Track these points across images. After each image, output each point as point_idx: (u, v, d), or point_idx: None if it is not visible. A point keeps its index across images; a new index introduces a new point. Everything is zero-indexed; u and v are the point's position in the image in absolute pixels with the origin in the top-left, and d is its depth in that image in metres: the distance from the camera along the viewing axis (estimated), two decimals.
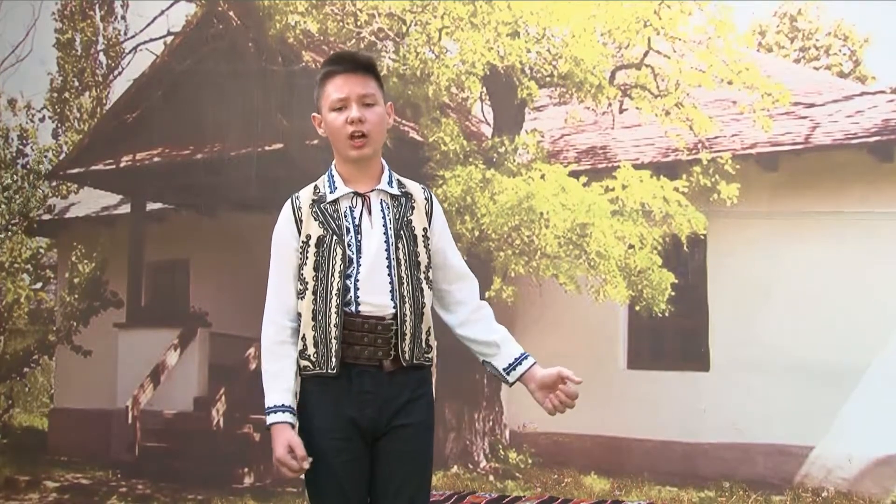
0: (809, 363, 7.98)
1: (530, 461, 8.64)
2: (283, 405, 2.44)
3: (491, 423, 8.80)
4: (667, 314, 7.98)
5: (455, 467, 8.53)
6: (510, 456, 8.68)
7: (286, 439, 2.41)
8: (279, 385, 2.46)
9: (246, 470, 8.75)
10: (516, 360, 2.55)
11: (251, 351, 9.27)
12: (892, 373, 7.84)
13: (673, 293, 7.94)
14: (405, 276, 2.45)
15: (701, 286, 8.79)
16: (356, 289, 2.43)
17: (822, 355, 7.95)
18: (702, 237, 8.30)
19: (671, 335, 9.13)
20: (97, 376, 10.36)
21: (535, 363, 2.55)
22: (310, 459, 2.41)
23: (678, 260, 8.56)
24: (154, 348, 9.70)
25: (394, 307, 2.44)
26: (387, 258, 2.45)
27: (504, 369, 2.55)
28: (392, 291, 2.44)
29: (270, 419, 2.44)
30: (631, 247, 7.88)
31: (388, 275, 2.44)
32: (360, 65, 2.49)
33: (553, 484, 8.20)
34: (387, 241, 2.46)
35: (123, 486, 8.84)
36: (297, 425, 2.47)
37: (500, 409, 8.81)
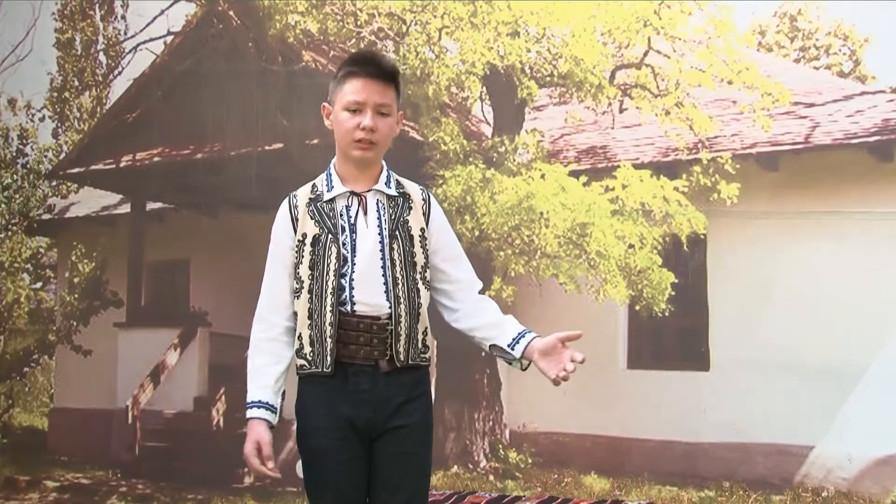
0: (810, 363, 7.98)
1: (530, 461, 8.62)
2: (259, 401, 2.51)
3: (491, 423, 8.78)
4: (667, 314, 7.97)
5: (455, 467, 8.52)
6: (510, 456, 8.67)
7: (257, 436, 2.47)
8: (259, 381, 2.53)
9: (246, 470, 8.73)
10: (519, 334, 2.50)
11: None
12: (892, 373, 7.83)
13: (673, 293, 7.93)
14: (400, 277, 2.44)
15: (701, 286, 8.78)
16: (351, 288, 2.43)
17: (822, 355, 7.94)
18: (702, 237, 8.30)
19: (671, 335, 9.13)
20: (97, 376, 10.35)
21: (536, 336, 2.49)
22: (273, 464, 2.44)
23: (678, 260, 8.55)
24: (154, 348, 9.70)
25: (389, 307, 2.43)
26: (381, 258, 2.44)
27: (508, 345, 2.49)
28: (387, 292, 2.43)
29: (248, 414, 2.51)
30: (631, 246, 7.87)
31: (383, 275, 2.44)
32: (384, 72, 2.47)
33: (553, 484, 8.20)
34: (381, 241, 2.45)
35: (123, 485, 8.83)
36: (274, 423, 2.50)
37: (500, 409, 8.79)
